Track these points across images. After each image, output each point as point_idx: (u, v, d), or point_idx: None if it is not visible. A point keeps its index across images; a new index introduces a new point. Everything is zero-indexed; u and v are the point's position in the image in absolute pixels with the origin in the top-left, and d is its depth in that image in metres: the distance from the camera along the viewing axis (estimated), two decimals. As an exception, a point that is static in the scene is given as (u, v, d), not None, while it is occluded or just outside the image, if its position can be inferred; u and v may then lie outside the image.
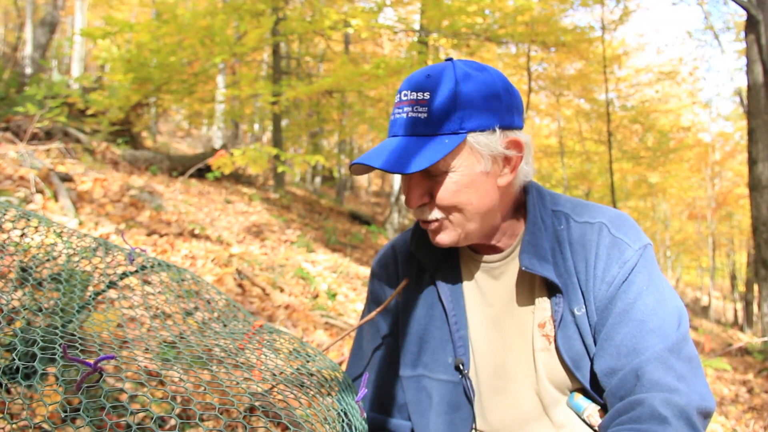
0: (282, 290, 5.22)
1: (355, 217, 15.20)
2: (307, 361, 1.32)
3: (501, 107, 1.19)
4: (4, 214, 1.39)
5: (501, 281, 1.35)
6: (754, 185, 9.53)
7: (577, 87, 19.42)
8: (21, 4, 17.19)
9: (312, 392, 1.16)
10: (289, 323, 4.39)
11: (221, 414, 0.84)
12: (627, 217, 1.30)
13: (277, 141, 13.04)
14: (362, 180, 32.93)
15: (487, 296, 1.36)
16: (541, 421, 1.29)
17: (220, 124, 18.03)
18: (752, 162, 9.60)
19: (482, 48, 14.58)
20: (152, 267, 1.51)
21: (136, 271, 1.47)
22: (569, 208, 1.33)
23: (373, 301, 1.52)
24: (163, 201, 7.28)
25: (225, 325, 1.43)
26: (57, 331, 1.00)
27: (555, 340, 1.25)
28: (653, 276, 1.22)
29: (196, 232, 6.44)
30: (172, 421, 1.74)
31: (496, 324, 1.34)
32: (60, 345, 0.88)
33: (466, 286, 1.38)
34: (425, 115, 1.16)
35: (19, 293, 1.25)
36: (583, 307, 1.24)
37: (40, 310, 1.20)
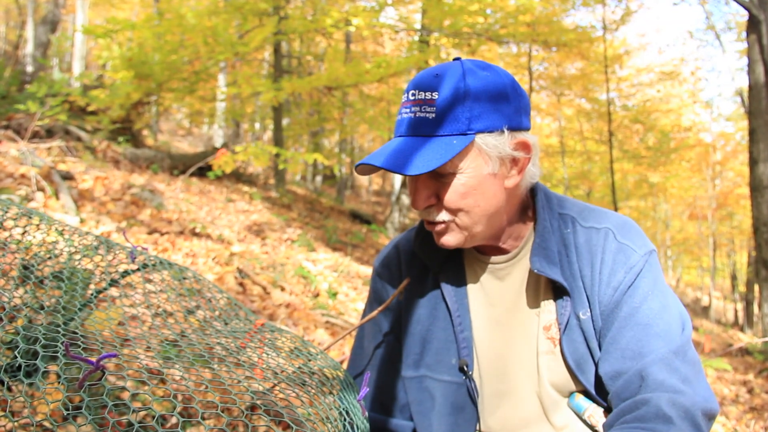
0: (283, 289, 5.22)
1: (356, 216, 15.20)
2: (309, 360, 1.32)
3: (509, 108, 1.18)
4: (6, 212, 1.39)
5: (506, 283, 1.34)
6: (755, 185, 9.52)
7: (579, 87, 19.42)
8: (22, 2, 17.19)
9: (313, 391, 1.16)
10: (290, 322, 4.39)
11: (222, 412, 0.84)
12: (632, 223, 1.30)
13: (278, 140, 13.05)
14: (363, 179, 32.92)
15: (491, 297, 1.35)
16: (541, 423, 1.29)
17: (221, 122, 18.03)
18: (753, 162, 9.60)
19: (484, 47, 14.57)
20: (154, 265, 1.51)
21: (138, 270, 1.47)
22: (576, 212, 1.32)
23: (375, 300, 1.51)
24: (164, 199, 7.28)
25: (226, 324, 1.43)
26: (59, 329, 1.00)
27: (560, 344, 1.25)
28: (658, 281, 1.22)
29: (197, 230, 6.44)
30: (174, 420, 1.74)
31: (500, 325, 1.34)
32: (62, 343, 0.88)
33: (471, 286, 1.38)
34: (433, 115, 1.14)
35: (21, 291, 1.25)
36: (588, 311, 1.24)
37: (42, 308, 1.20)
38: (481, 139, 1.16)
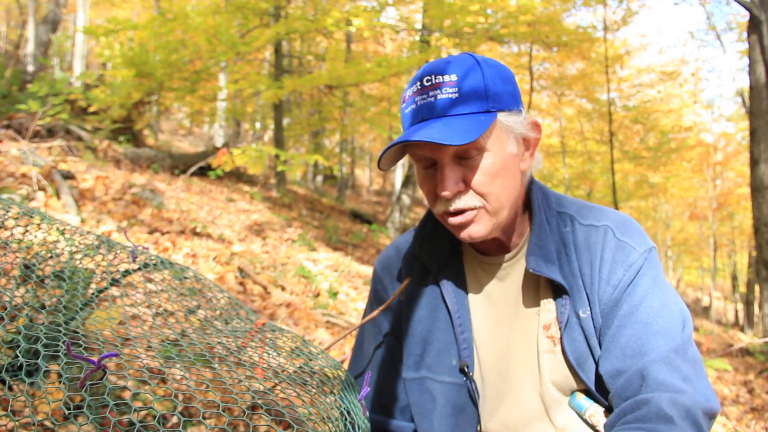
0: (283, 289, 5.22)
1: (357, 216, 15.20)
2: (310, 360, 1.32)
3: (515, 91, 1.20)
4: (7, 212, 1.39)
5: (506, 282, 1.34)
6: (755, 186, 9.51)
7: (579, 87, 19.40)
8: (23, 2, 17.20)
9: (314, 391, 1.16)
10: (291, 322, 4.39)
11: (223, 412, 0.84)
12: (632, 220, 1.29)
13: (278, 140, 13.04)
14: (364, 179, 32.91)
15: (491, 298, 1.35)
16: (542, 423, 1.29)
17: (221, 122, 18.02)
18: (754, 162, 9.59)
19: (484, 47, 14.56)
20: (154, 265, 1.51)
21: (139, 269, 1.47)
22: (574, 211, 1.32)
23: (375, 301, 1.51)
24: (164, 199, 7.28)
25: (227, 323, 1.43)
26: (60, 328, 1.00)
27: (561, 342, 1.25)
28: (658, 279, 1.22)
29: (198, 230, 6.45)
30: (175, 419, 1.74)
31: (501, 325, 1.33)
32: (63, 342, 0.88)
33: (471, 287, 1.37)
34: (456, 95, 1.14)
35: (22, 290, 1.25)
36: (588, 309, 1.23)
37: (43, 307, 1.20)
38: (502, 117, 1.17)
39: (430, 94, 1.16)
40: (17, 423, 1.35)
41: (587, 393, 1.26)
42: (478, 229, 1.21)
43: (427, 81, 1.16)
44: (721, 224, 26.56)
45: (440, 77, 1.15)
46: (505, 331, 1.33)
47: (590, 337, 1.23)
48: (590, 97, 19.90)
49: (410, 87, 1.20)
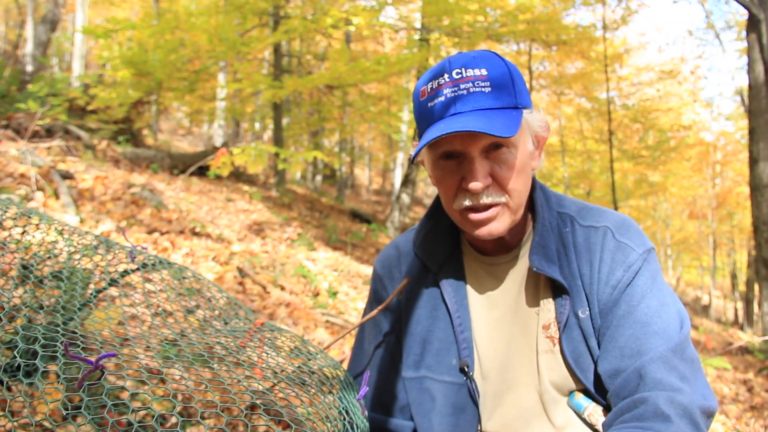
0: (283, 288, 5.22)
1: (356, 216, 15.19)
2: (309, 360, 1.32)
3: (527, 90, 1.21)
4: (5, 212, 1.38)
5: (505, 282, 1.34)
6: (755, 184, 9.52)
7: (579, 86, 19.39)
8: (22, 2, 17.19)
9: (313, 390, 1.16)
10: (290, 321, 4.39)
11: (222, 412, 0.84)
12: (631, 221, 1.30)
13: (278, 139, 13.04)
14: (363, 178, 32.92)
15: (491, 297, 1.35)
16: (541, 422, 1.29)
17: (221, 122, 18.01)
18: (753, 161, 9.59)
19: (484, 46, 14.56)
20: (153, 265, 1.51)
21: (137, 269, 1.47)
22: (574, 211, 1.32)
23: (375, 300, 1.51)
24: (164, 199, 7.28)
25: (226, 323, 1.43)
26: (58, 328, 1.00)
27: (560, 342, 1.25)
28: (656, 280, 1.22)
29: (197, 230, 6.44)
30: (173, 419, 1.74)
31: (500, 325, 1.33)
32: (61, 343, 0.88)
33: (470, 287, 1.37)
34: (489, 89, 1.14)
35: (21, 291, 1.25)
36: (587, 309, 1.23)
37: (42, 307, 1.20)
38: (526, 113, 1.18)
39: (462, 87, 1.15)
40: (16, 423, 1.35)
41: (586, 392, 1.26)
42: (499, 226, 1.22)
43: (457, 74, 1.15)
44: (720, 223, 26.57)
45: (471, 70, 1.15)
46: (504, 330, 1.33)
47: (589, 338, 1.23)
48: (589, 96, 19.89)
49: (433, 80, 1.19)
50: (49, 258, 1.40)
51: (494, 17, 11.82)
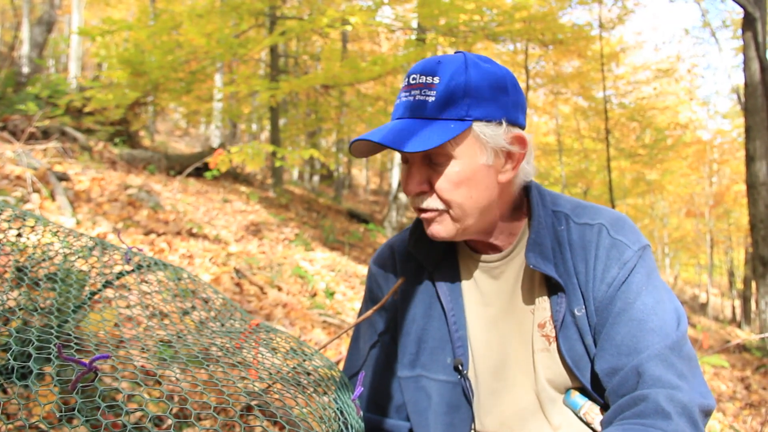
0: (280, 289, 5.22)
1: (354, 216, 15.20)
2: (304, 360, 1.32)
3: (508, 101, 1.18)
4: (0, 214, 1.38)
5: (500, 281, 1.34)
6: (751, 182, 9.55)
7: (575, 84, 19.42)
8: (18, 3, 17.15)
9: (309, 391, 1.16)
10: (287, 322, 4.38)
11: (218, 413, 0.84)
12: (626, 218, 1.30)
13: (274, 140, 13.03)
14: (361, 178, 32.90)
15: (486, 296, 1.35)
16: (538, 421, 1.29)
17: (217, 123, 18.01)
18: (749, 159, 9.62)
19: (480, 45, 14.57)
20: (149, 266, 1.51)
21: (133, 271, 1.47)
22: (569, 209, 1.32)
23: (370, 299, 1.51)
24: (160, 200, 7.27)
25: (222, 325, 1.43)
26: (53, 330, 1.00)
27: (556, 341, 1.25)
28: (652, 277, 1.22)
29: (194, 231, 6.44)
30: (169, 421, 1.74)
31: (496, 324, 1.33)
32: (55, 345, 0.88)
33: (465, 285, 1.37)
34: (432, 98, 1.14)
35: (15, 293, 1.25)
36: (583, 307, 1.23)
37: (36, 309, 1.20)
38: (478, 127, 1.16)
39: (412, 92, 1.17)
40: (10, 426, 1.35)
41: (582, 391, 1.26)
42: (440, 230, 1.24)
43: (413, 79, 1.17)
44: (717, 221, 26.62)
45: (425, 78, 1.16)
46: (500, 329, 1.33)
47: (585, 336, 1.23)
48: (586, 94, 19.92)
49: (405, 79, 1.21)
50: (45, 260, 1.40)
51: (490, 17, 11.82)
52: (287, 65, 15.85)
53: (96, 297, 1.42)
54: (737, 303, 26.78)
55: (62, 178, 6.17)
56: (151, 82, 10.15)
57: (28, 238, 1.40)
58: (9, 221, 1.39)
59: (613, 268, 1.22)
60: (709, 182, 26.42)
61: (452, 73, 1.15)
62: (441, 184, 1.18)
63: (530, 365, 1.29)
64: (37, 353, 0.88)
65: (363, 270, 7.46)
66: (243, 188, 11.81)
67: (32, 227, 1.42)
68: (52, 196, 5.45)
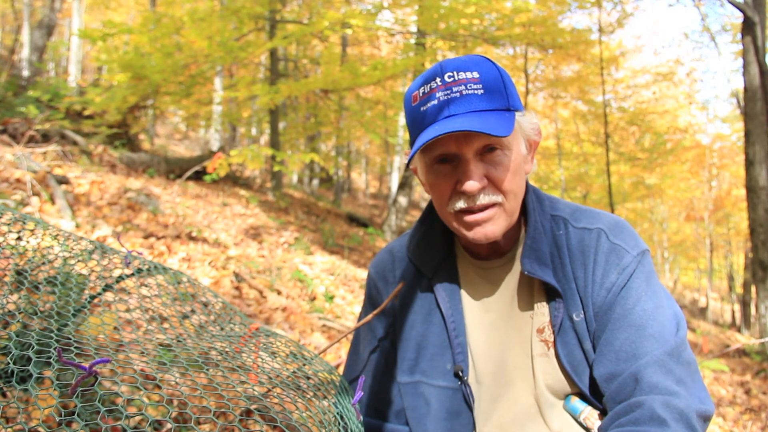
0: (279, 293, 5.21)
1: (353, 220, 15.19)
2: (304, 365, 1.32)
3: (516, 93, 1.21)
4: (0, 217, 1.38)
5: (499, 286, 1.34)
6: (750, 187, 9.54)
7: (575, 89, 19.42)
8: (18, 7, 17.17)
9: (308, 395, 1.16)
10: (287, 326, 4.38)
11: (218, 417, 0.84)
12: (625, 223, 1.29)
13: (274, 144, 13.02)
14: (360, 182, 32.92)
15: (485, 302, 1.35)
16: (537, 426, 1.28)
17: (217, 126, 17.99)
18: (749, 163, 9.62)
19: (480, 49, 14.58)
20: (149, 270, 1.51)
21: (133, 274, 1.47)
22: (568, 214, 1.32)
23: (370, 305, 1.51)
24: (160, 203, 7.27)
25: (222, 328, 1.43)
26: (52, 334, 1.00)
27: (554, 346, 1.25)
28: (651, 282, 1.22)
29: (194, 234, 6.43)
30: (168, 425, 1.73)
31: (495, 329, 1.33)
32: (55, 348, 0.88)
33: (464, 291, 1.37)
34: (481, 91, 1.14)
35: (15, 297, 1.25)
36: (582, 313, 1.23)
37: (36, 313, 1.20)
38: (519, 116, 1.18)
39: (455, 89, 1.15)
40: (10, 430, 1.34)
41: (582, 396, 1.25)
42: (495, 229, 1.22)
43: (449, 77, 1.16)
44: (717, 225, 26.61)
45: (463, 73, 1.15)
46: (499, 334, 1.33)
47: (584, 341, 1.22)
48: (586, 98, 19.92)
49: (424, 84, 1.19)
50: (44, 263, 1.40)
51: (490, 21, 11.84)
52: (287, 69, 15.85)
53: (96, 300, 1.42)
54: (737, 307, 26.76)
55: (62, 181, 6.17)
56: (151, 85, 10.16)
57: (28, 242, 1.40)
58: (9, 224, 1.39)
59: (612, 273, 1.22)
60: (708, 186, 26.41)
61: (487, 67, 1.16)
62: (501, 174, 1.17)
63: (529, 370, 1.29)
64: (36, 357, 0.88)
65: (362, 274, 7.45)
66: (242, 192, 11.81)
67: (32, 230, 1.42)
68: (52, 200, 5.45)
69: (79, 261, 1.45)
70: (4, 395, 1.57)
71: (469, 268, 1.37)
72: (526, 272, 1.22)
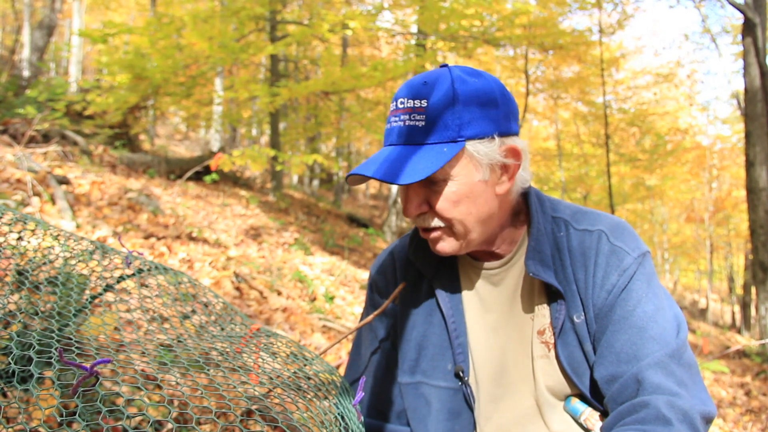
0: (279, 293, 5.22)
1: (353, 220, 15.19)
2: (305, 365, 1.32)
3: (498, 114, 1.17)
4: (1, 217, 1.38)
5: (500, 288, 1.34)
6: (751, 188, 9.55)
7: (575, 90, 19.43)
8: (19, 7, 17.19)
9: (309, 396, 1.16)
10: (287, 326, 4.38)
11: (218, 418, 0.84)
12: (625, 224, 1.29)
13: (274, 144, 13.02)
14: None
15: (486, 303, 1.35)
16: (538, 427, 1.29)
17: (217, 127, 18.00)
18: (749, 165, 9.63)
19: (480, 50, 14.59)
20: (149, 270, 1.51)
21: (133, 275, 1.47)
22: (568, 215, 1.32)
23: (371, 306, 1.52)
24: (160, 204, 7.27)
25: (222, 329, 1.43)
26: (53, 334, 1.00)
27: (555, 348, 1.25)
28: (652, 283, 1.22)
29: (194, 235, 6.44)
30: (169, 425, 1.74)
31: (496, 330, 1.33)
32: (56, 349, 0.88)
33: (465, 292, 1.37)
34: (423, 123, 1.14)
35: (16, 297, 1.25)
36: (583, 314, 1.23)
37: (37, 313, 1.20)
38: (471, 146, 1.15)
39: (401, 117, 1.17)
40: (11, 430, 1.34)
41: (582, 397, 1.25)
42: (445, 246, 1.24)
43: (401, 103, 1.17)
44: (717, 226, 26.60)
45: (412, 101, 1.15)
46: (500, 336, 1.33)
47: (584, 343, 1.23)
48: (586, 99, 19.93)
49: (394, 101, 1.21)
50: (45, 264, 1.40)
51: (490, 22, 11.85)
52: (287, 69, 15.85)
53: (96, 301, 1.42)
54: (737, 308, 26.76)
55: (62, 181, 6.17)
56: (151, 85, 10.16)
57: (28, 242, 1.40)
58: (10, 225, 1.39)
59: (612, 275, 1.22)
60: (708, 187, 26.41)
61: (439, 94, 1.14)
62: (440, 204, 1.18)
63: (530, 372, 1.29)
64: (37, 357, 0.88)
65: (362, 274, 7.45)
66: (243, 192, 11.81)
67: (33, 231, 1.42)
68: (53, 200, 5.45)
69: (79, 261, 1.45)
70: (5, 395, 1.57)
71: (470, 270, 1.37)
72: (531, 274, 1.22)
